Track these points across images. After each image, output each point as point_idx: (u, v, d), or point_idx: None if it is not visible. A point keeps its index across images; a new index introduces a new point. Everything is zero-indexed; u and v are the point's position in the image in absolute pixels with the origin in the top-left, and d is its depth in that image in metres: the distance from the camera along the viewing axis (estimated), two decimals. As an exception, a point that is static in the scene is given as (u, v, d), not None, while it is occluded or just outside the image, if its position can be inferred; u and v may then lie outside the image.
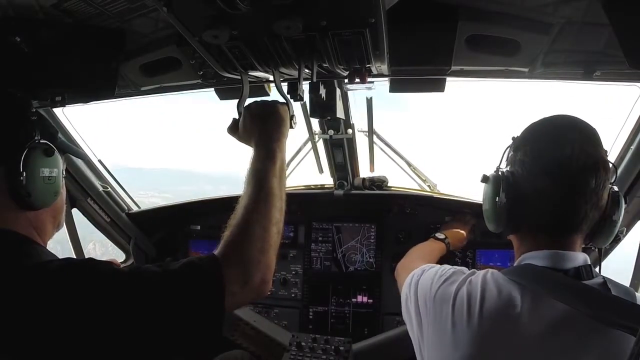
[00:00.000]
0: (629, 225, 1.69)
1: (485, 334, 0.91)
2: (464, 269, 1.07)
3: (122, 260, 2.50)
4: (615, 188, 0.98)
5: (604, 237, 0.99)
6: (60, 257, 0.95)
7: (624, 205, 0.99)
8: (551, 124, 1.01)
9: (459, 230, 2.00)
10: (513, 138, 1.05)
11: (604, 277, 0.95)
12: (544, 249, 0.98)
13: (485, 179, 1.09)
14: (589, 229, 0.97)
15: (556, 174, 0.93)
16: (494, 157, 1.11)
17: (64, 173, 1.11)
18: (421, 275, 1.13)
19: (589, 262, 0.97)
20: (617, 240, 1.24)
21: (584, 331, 0.85)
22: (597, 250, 1.22)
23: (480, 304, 0.93)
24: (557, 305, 0.87)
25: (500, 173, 1.04)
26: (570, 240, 0.97)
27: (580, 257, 0.96)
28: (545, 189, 0.95)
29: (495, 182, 1.03)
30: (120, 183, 2.41)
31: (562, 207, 0.94)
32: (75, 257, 2.09)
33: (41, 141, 1.00)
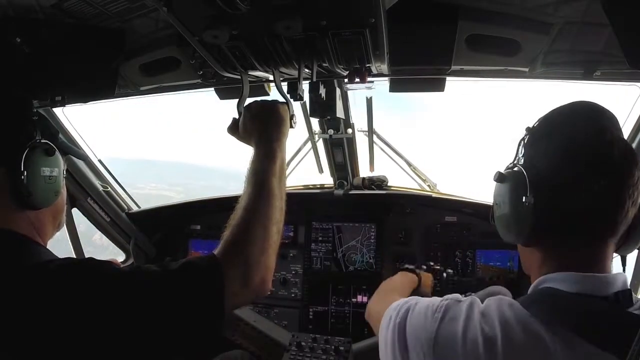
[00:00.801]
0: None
1: None
2: (457, 295, 0.87)
3: (122, 260, 2.50)
4: None
5: (634, 242, 0.84)
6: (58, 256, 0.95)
7: None
8: (580, 109, 0.85)
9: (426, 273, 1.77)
10: (528, 128, 0.88)
11: None
12: (574, 267, 0.79)
13: (501, 177, 0.90)
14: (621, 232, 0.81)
15: (596, 163, 0.77)
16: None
17: (65, 173, 1.11)
18: (408, 313, 0.87)
19: (628, 284, 0.80)
20: None
21: None
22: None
23: (503, 350, 0.73)
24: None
25: (522, 168, 0.84)
26: (606, 248, 0.81)
27: (619, 280, 0.78)
28: (583, 183, 0.77)
29: (519, 179, 0.84)
30: (120, 183, 2.42)
31: (602, 202, 0.77)
32: (75, 257, 2.09)
33: (42, 141, 1.00)
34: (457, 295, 0.87)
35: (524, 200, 0.81)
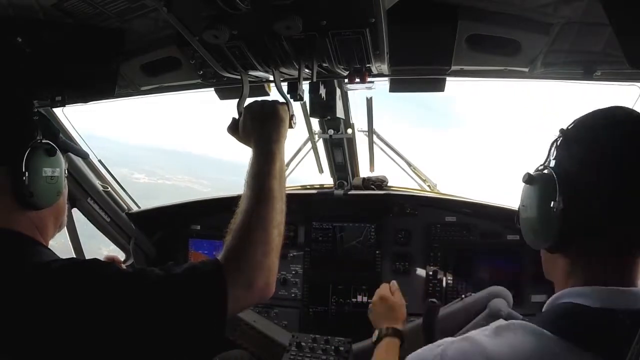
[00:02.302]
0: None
1: None
2: (451, 340, 0.82)
3: (122, 260, 2.51)
4: None
5: None
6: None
7: None
8: (619, 114, 0.82)
9: (389, 306, 1.70)
10: (562, 130, 0.85)
11: None
12: (601, 279, 0.76)
13: (530, 179, 0.88)
14: None
15: (632, 171, 0.75)
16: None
17: (66, 173, 1.11)
18: None
19: None
20: None
21: None
22: None
23: None
24: None
25: (552, 171, 0.82)
26: (636, 260, 0.78)
27: None
28: (616, 190, 0.75)
29: (548, 182, 0.81)
30: (120, 183, 2.42)
31: (636, 212, 0.75)
32: (75, 257, 2.09)
33: (43, 141, 1.00)
34: (450, 340, 0.82)
35: (552, 204, 0.78)
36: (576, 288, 0.78)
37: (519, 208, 0.93)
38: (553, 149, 0.85)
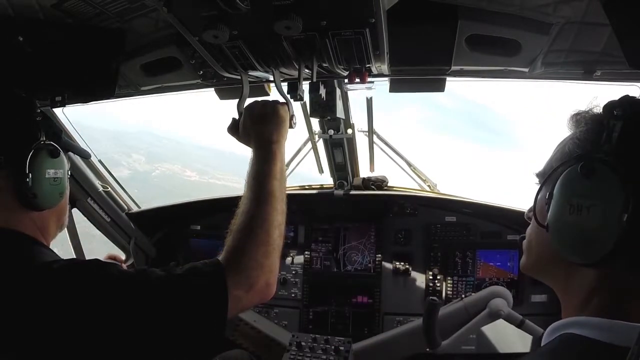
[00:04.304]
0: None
1: None
2: None
3: (123, 259, 2.50)
4: None
5: None
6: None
7: None
8: None
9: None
10: (615, 108, 0.63)
11: None
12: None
13: (589, 170, 0.63)
14: None
15: None
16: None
17: (69, 173, 1.11)
18: None
19: None
20: None
21: None
22: None
23: None
24: None
25: (607, 162, 0.62)
26: None
27: None
28: None
29: (608, 178, 0.61)
30: (120, 183, 2.42)
31: None
32: (75, 257, 2.09)
33: (46, 142, 1.00)
34: None
35: (617, 210, 0.59)
36: (587, 318, 0.62)
37: (557, 204, 0.67)
38: (605, 134, 0.64)
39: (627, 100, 0.63)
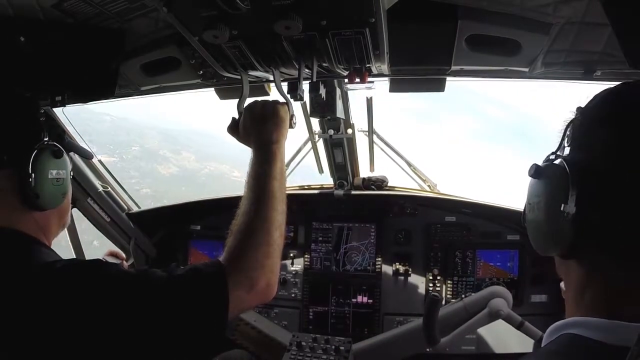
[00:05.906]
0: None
1: None
2: None
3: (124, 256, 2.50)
4: None
5: None
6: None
7: None
8: None
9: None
10: (580, 109, 0.67)
11: None
12: (627, 297, 0.59)
13: (538, 171, 0.70)
14: None
15: None
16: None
17: (71, 174, 1.11)
18: None
19: None
20: None
21: None
22: None
23: None
24: None
25: (565, 161, 0.64)
26: None
27: None
28: None
29: (561, 176, 0.64)
30: (120, 183, 2.42)
31: None
32: (74, 257, 2.09)
33: (50, 142, 1.00)
34: None
35: (562, 206, 0.62)
36: (593, 320, 0.61)
37: (525, 206, 0.77)
38: (568, 132, 0.68)
39: (595, 96, 0.68)
